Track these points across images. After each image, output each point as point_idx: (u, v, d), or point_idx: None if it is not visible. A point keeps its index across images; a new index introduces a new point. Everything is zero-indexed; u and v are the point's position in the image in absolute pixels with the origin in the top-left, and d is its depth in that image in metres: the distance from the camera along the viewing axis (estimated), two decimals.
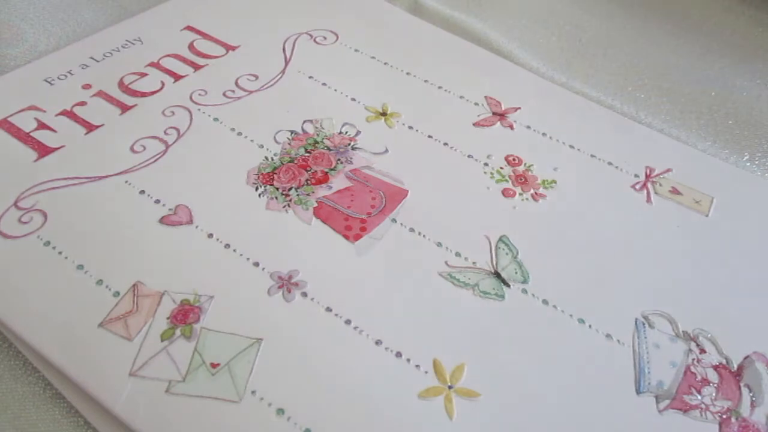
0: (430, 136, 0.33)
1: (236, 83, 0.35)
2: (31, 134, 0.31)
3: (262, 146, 0.31)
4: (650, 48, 0.42)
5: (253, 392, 0.22)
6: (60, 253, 0.26)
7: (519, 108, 0.35)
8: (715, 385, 0.24)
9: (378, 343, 0.24)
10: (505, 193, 0.30)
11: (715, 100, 0.39)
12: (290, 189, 0.29)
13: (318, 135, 0.32)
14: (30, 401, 0.23)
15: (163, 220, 0.27)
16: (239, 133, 0.32)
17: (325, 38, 0.38)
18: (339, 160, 0.31)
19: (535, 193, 0.30)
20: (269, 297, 0.25)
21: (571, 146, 0.33)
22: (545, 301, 0.26)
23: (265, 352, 0.23)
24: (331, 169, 0.30)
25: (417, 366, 0.23)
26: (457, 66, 0.37)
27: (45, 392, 0.24)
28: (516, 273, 0.27)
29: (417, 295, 0.26)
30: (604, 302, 0.26)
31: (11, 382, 0.24)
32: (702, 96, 0.39)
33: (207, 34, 0.38)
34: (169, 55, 0.36)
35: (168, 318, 0.24)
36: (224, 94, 0.34)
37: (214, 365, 0.23)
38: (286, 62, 0.36)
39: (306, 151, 0.31)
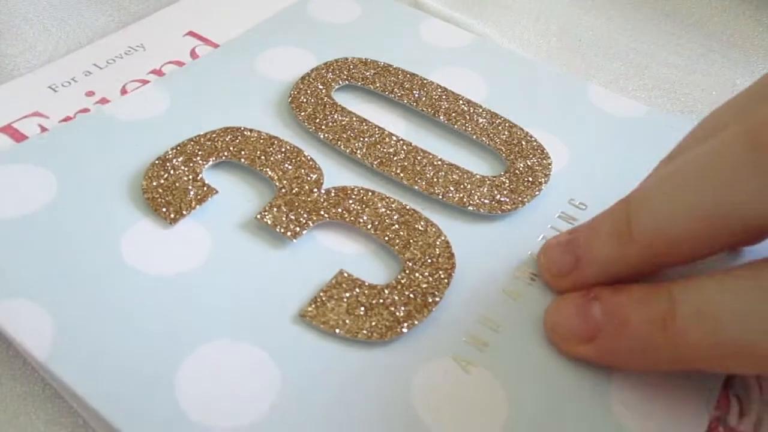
0: None
1: None
2: None
3: None
4: (650, 48, 0.42)
5: None
6: None
7: None
8: None
9: None
10: None
11: (715, 100, 0.39)
12: None
13: None
14: (30, 401, 0.24)
15: None
16: None
17: None
18: None
19: None
20: None
21: None
22: None
23: None
24: None
25: None
26: None
27: (44, 392, 0.24)
28: None
29: None
30: None
31: (11, 382, 0.24)
32: (702, 96, 0.39)
33: (209, 40, 0.38)
34: (171, 62, 0.37)
35: None
36: None
37: None
38: None
39: None
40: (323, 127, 0.32)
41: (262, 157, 0.30)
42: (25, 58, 0.37)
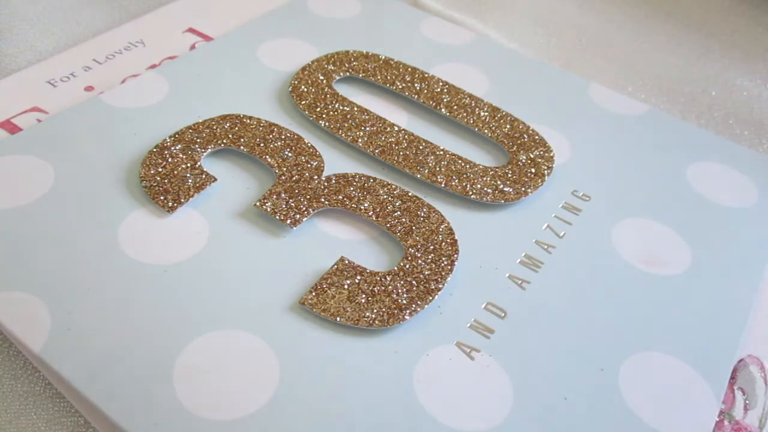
0: None
1: None
2: None
3: None
4: (650, 48, 0.42)
5: None
6: None
7: None
8: None
9: None
10: None
11: (715, 100, 0.39)
12: None
13: None
14: (30, 401, 0.24)
15: None
16: None
17: None
18: None
19: None
20: None
21: None
22: None
23: None
24: None
25: None
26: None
27: (45, 392, 0.24)
28: None
29: None
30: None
31: (11, 382, 0.24)
32: (702, 96, 0.39)
33: (209, 37, 0.38)
34: (170, 58, 0.36)
35: None
36: None
37: None
38: None
39: None
40: (324, 116, 0.32)
41: (262, 145, 0.30)
42: (26, 58, 0.37)
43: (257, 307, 0.24)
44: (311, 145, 0.30)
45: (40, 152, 0.29)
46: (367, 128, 0.31)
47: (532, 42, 0.42)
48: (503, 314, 0.25)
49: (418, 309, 0.24)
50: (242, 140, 0.30)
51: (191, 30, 0.39)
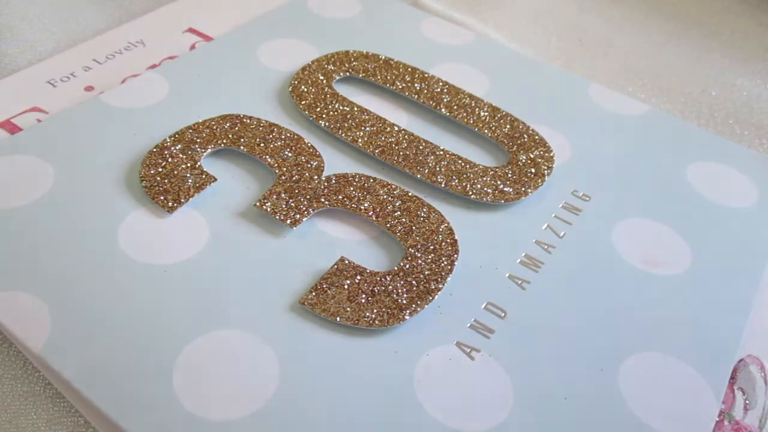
0: None
1: None
2: None
3: None
4: (650, 48, 0.42)
5: None
6: None
7: None
8: None
9: None
10: None
11: (715, 100, 0.39)
12: None
13: None
14: (30, 401, 0.24)
15: None
16: None
17: None
18: None
19: None
20: None
21: None
22: None
23: None
24: None
25: None
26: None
27: (45, 392, 0.24)
28: None
29: None
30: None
31: (11, 382, 0.24)
32: (702, 96, 0.39)
33: (209, 37, 0.38)
34: (170, 58, 0.36)
35: None
36: None
37: None
38: None
39: None
40: (324, 115, 0.32)
41: (262, 145, 0.30)
42: (26, 57, 0.37)
43: (257, 307, 0.24)
44: (311, 145, 0.30)
45: (40, 152, 0.29)
46: (367, 128, 0.31)
47: (532, 42, 0.42)
48: (503, 314, 0.25)
49: (418, 309, 0.24)
50: (242, 140, 0.30)
51: (191, 30, 0.39)
